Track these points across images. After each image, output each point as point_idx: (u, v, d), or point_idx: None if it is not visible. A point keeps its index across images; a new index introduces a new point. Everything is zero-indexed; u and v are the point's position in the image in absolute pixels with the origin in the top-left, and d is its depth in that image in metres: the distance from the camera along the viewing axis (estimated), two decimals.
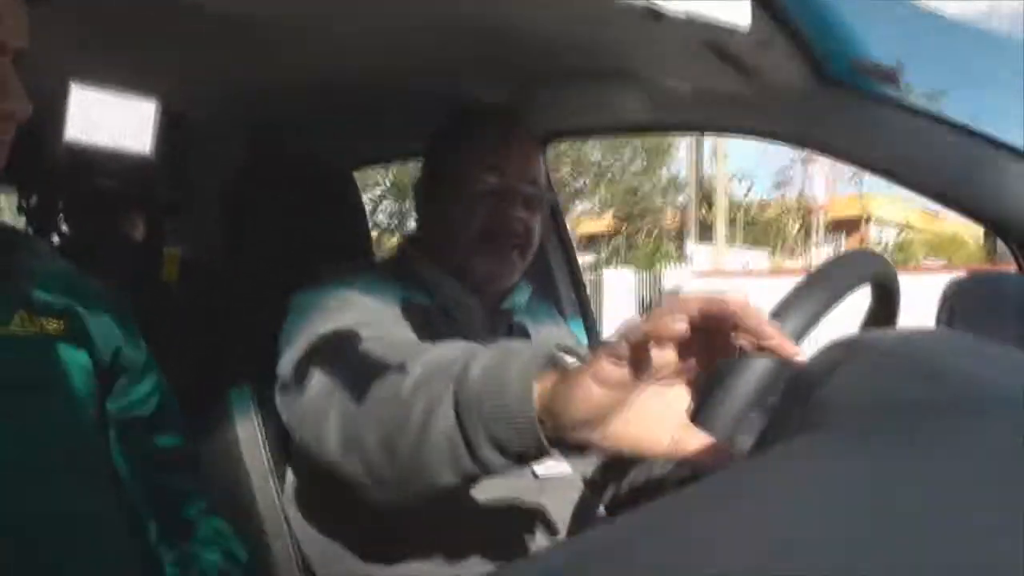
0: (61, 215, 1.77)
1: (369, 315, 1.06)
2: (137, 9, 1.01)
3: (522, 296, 1.30)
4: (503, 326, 1.28)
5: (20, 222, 1.77)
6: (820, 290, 0.70)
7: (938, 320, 0.74)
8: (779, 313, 0.68)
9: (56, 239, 1.78)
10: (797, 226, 19.21)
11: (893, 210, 19.07)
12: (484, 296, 1.27)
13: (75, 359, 0.89)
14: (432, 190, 1.29)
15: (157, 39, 1.12)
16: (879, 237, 19.06)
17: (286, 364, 1.04)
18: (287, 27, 1.11)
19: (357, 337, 0.98)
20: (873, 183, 18.71)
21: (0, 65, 0.79)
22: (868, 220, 19.33)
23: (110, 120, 1.09)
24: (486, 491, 1.13)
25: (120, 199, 1.70)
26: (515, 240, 1.24)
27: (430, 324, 1.18)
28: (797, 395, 0.62)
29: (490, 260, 1.23)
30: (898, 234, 19.38)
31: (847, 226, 19.34)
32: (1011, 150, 1.08)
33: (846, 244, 18.75)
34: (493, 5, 1.02)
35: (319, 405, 0.94)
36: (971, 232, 16.57)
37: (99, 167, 1.40)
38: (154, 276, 1.69)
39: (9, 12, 0.80)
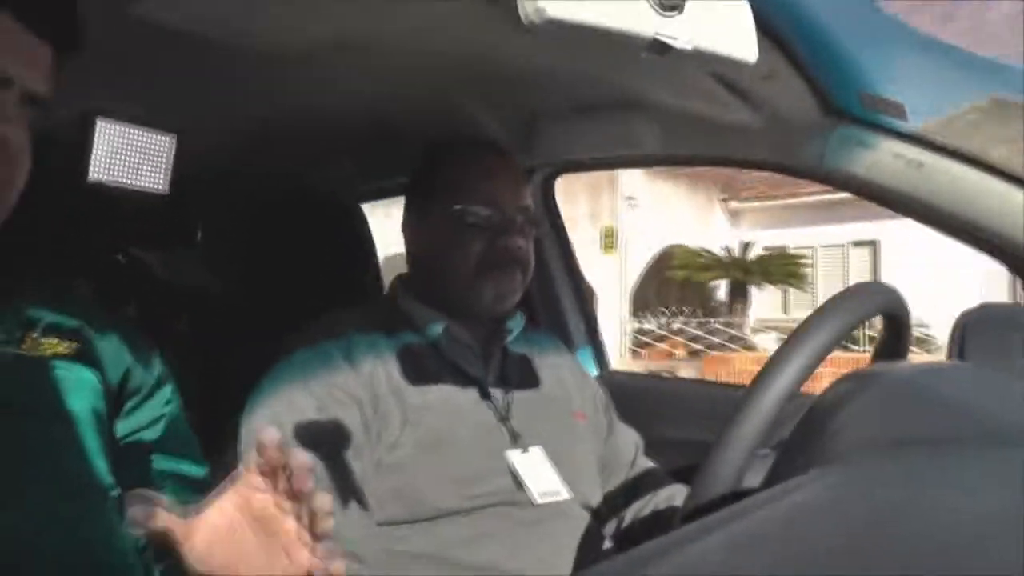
0: (75, 246, 1.77)
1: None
2: (155, 45, 1.02)
3: (516, 325, 1.31)
4: (497, 361, 1.29)
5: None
6: (832, 321, 0.70)
7: (949, 353, 0.74)
8: (791, 344, 0.68)
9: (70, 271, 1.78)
10: None
11: None
12: (478, 330, 1.28)
13: (85, 380, 0.90)
14: (423, 228, 1.31)
15: (173, 74, 1.14)
16: None
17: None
18: (295, 63, 1.12)
19: None
20: None
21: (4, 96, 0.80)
22: None
23: (129, 153, 1.11)
24: (485, 519, 1.14)
25: (137, 230, 1.71)
26: (515, 265, 1.26)
27: (422, 363, 1.21)
28: (811, 429, 0.62)
29: (495, 285, 1.25)
30: None
31: None
32: (1018, 180, 1.08)
33: None
34: (497, 40, 1.03)
35: None
36: None
37: (117, 199, 1.41)
38: (168, 306, 1.70)
39: (25, 53, 0.81)
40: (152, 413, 0.98)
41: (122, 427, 0.95)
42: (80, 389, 0.89)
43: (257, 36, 1.04)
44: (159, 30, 0.98)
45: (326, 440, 1.10)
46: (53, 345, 0.88)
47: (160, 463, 0.98)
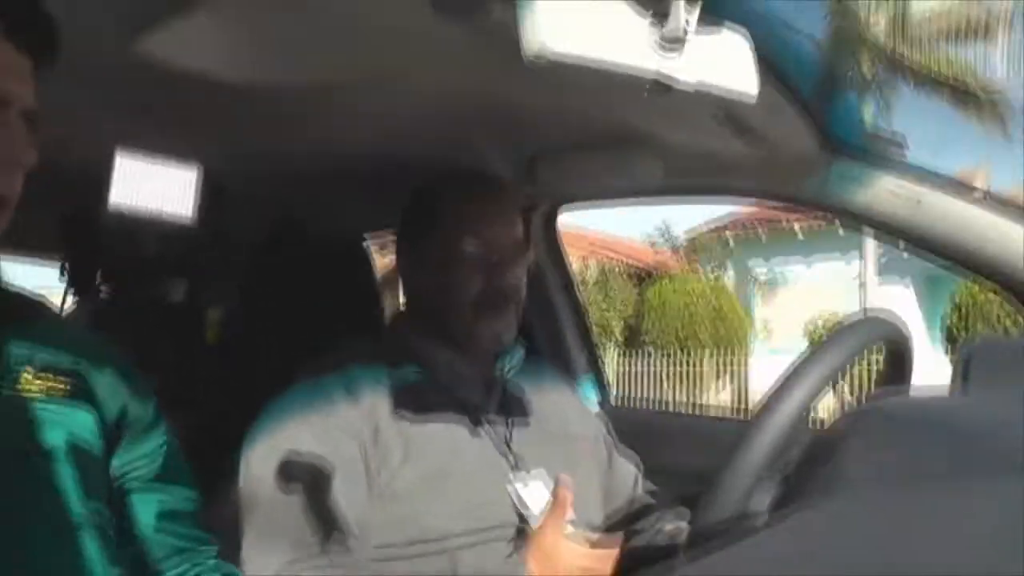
0: (102, 279, 1.78)
1: None
2: (180, 87, 1.03)
3: (514, 358, 1.31)
4: (497, 392, 1.29)
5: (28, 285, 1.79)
6: (834, 352, 0.71)
7: (953, 385, 0.74)
8: (795, 374, 0.68)
9: (95, 302, 1.79)
10: None
11: None
12: (478, 362, 1.28)
13: (81, 418, 0.89)
14: (419, 262, 1.30)
15: (198, 115, 1.15)
16: None
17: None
18: (296, 102, 1.13)
19: None
20: None
21: (4, 116, 0.80)
22: None
23: (153, 187, 1.13)
24: (488, 548, 1.13)
25: (161, 263, 1.72)
26: (511, 303, 1.26)
27: (423, 395, 1.20)
28: (816, 459, 0.62)
29: (493, 322, 1.24)
30: None
31: None
32: (1016, 214, 1.08)
33: None
34: (499, 76, 1.05)
35: None
36: None
37: (141, 232, 1.43)
38: (193, 338, 1.71)
39: (13, 70, 0.81)
40: (151, 447, 0.97)
41: (120, 461, 0.94)
42: (75, 427, 0.88)
43: (258, 76, 1.05)
44: (163, 70, 1.00)
45: (318, 473, 1.09)
46: (49, 383, 0.87)
47: (160, 495, 0.97)
